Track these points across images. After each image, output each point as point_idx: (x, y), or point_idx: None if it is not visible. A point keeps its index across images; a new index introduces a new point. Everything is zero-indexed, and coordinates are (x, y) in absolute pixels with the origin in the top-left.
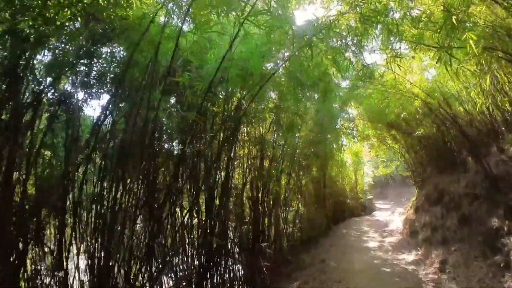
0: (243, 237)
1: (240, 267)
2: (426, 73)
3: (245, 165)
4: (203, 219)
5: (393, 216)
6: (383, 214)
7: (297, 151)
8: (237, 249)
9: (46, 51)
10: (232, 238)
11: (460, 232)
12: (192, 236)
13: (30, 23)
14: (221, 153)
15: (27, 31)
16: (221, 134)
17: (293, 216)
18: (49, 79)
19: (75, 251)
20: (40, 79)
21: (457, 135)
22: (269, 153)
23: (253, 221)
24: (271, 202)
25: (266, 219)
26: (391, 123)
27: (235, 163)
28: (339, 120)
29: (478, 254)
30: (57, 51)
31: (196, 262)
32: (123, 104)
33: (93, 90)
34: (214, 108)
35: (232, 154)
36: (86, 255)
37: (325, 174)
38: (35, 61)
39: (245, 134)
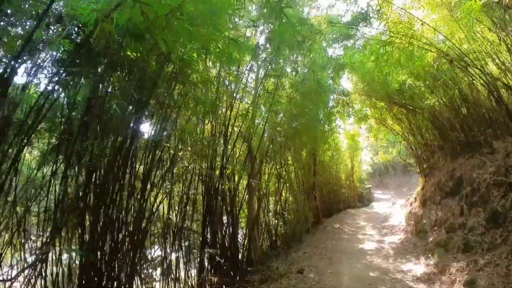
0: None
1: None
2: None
3: (190, 140)
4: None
5: (394, 208)
6: (383, 205)
7: (278, 128)
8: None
9: None
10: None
11: (491, 237)
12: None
13: None
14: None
15: None
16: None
17: (273, 209)
18: None
19: None
20: None
21: (481, 105)
22: (236, 128)
23: (204, 218)
24: (239, 191)
25: (236, 212)
26: (393, 97)
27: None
28: (333, 96)
29: None
30: None
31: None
32: None
33: None
34: (131, 54)
35: (159, 121)
36: None
37: (315, 159)
38: None
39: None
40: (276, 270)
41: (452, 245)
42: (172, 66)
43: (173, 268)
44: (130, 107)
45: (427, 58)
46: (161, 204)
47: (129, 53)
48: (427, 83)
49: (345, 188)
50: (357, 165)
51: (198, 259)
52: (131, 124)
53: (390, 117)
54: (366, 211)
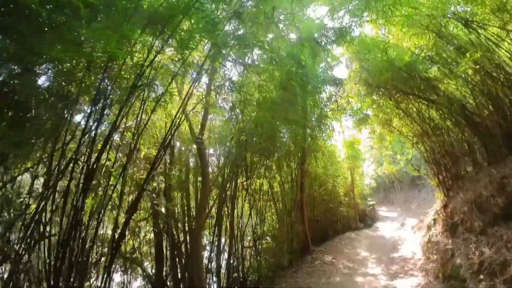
0: None
1: None
2: None
3: None
4: None
5: (404, 231)
6: (390, 227)
7: (241, 125)
8: None
9: None
10: None
11: None
12: None
13: None
14: None
15: None
16: None
17: (244, 236)
18: None
19: None
20: None
21: None
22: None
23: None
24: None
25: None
26: (400, 85)
27: None
28: (324, 93)
29: None
30: None
31: None
32: None
33: None
34: None
35: None
36: None
37: (303, 170)
38: None
39: None
40: None
41: None
42: None
43: None
44: None
45: None
46: None
47: None
48: (455, 42)
49: (344, 206)
50: (358, 178)
51: None
52: None
53: (397, 116)
54: (370, 234)
